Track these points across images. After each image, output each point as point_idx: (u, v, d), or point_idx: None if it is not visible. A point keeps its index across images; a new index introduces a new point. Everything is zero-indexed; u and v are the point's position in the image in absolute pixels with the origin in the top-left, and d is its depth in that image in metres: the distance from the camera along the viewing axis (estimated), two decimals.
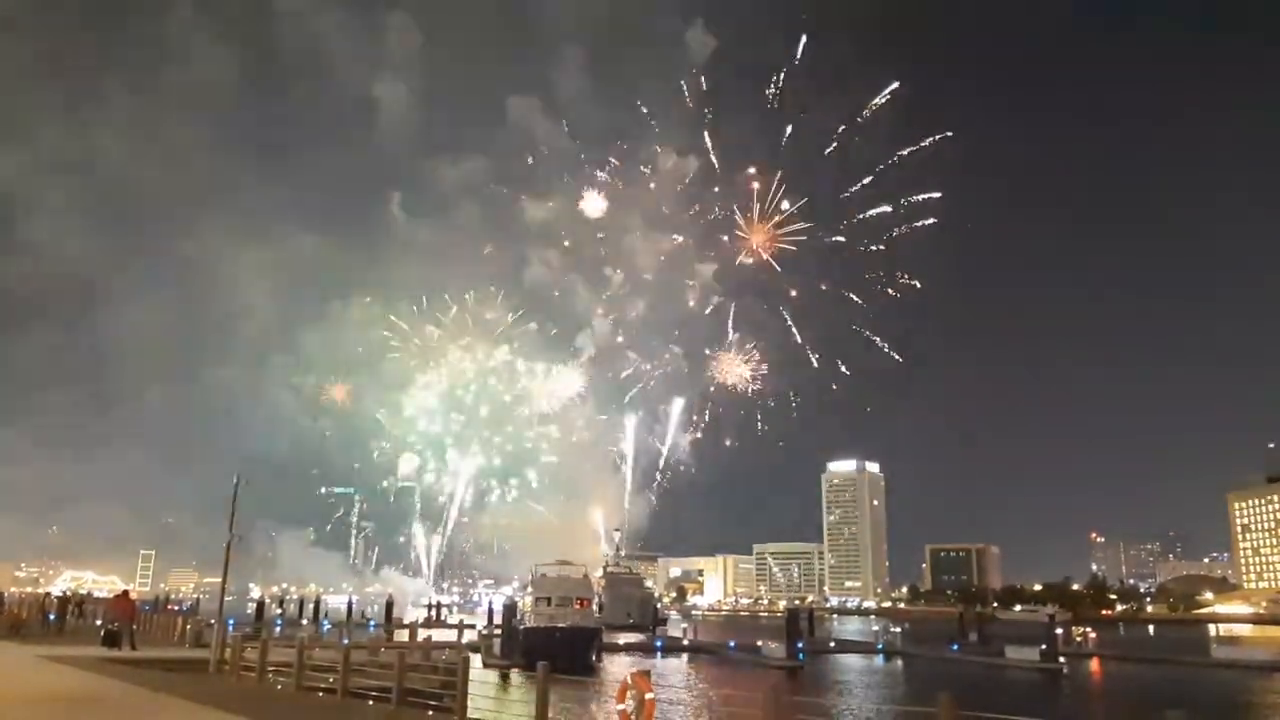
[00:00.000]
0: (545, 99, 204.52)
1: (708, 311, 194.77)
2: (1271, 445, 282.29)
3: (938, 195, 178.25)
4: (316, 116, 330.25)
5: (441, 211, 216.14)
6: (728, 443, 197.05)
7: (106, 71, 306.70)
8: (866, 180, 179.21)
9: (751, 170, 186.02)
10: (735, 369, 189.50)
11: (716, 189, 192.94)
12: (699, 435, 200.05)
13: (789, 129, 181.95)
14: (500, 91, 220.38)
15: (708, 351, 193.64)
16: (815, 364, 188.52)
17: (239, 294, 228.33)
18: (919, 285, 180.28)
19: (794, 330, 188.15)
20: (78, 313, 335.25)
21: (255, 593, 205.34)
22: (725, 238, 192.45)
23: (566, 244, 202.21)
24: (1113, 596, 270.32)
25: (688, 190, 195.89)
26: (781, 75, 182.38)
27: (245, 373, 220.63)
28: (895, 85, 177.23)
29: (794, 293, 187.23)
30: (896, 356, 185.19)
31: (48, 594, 68.27)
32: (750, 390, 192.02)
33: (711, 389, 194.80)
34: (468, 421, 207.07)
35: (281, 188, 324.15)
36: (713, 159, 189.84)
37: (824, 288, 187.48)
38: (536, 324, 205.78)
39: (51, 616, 53.57)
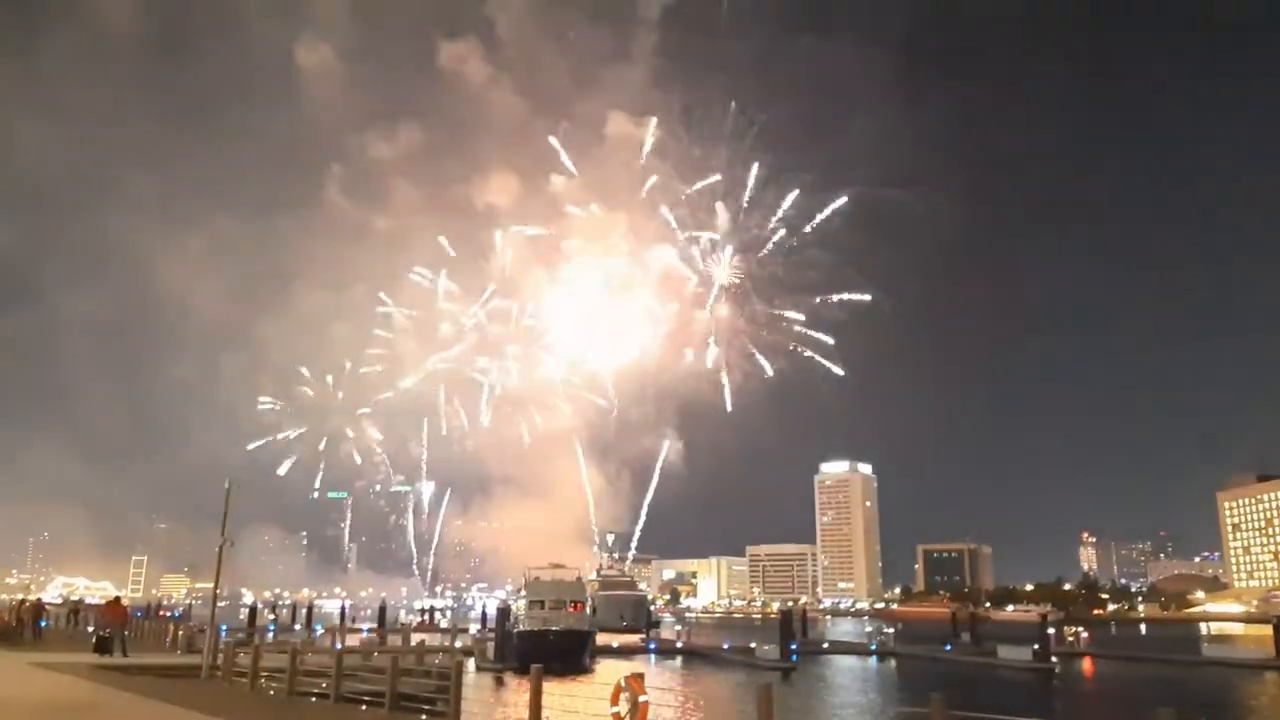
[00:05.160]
0: (486, 53, 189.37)
1: (682, 298, 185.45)
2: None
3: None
4: (237, 80, 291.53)
5: (383, 187, 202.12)
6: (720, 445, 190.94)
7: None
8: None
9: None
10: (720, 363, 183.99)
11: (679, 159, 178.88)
12: (690, 439, 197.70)
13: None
14: (435, 47, 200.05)
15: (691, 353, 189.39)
16: (806, 364, 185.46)
17: (176, 283, 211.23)
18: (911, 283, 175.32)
19: (786, 325, 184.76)
20: None
21: (248, 598, 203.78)
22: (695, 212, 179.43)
23: (523, 223, 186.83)
24: (1104, 596, 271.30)
25: (646, 162, 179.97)
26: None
27: (197, 368, 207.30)
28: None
29: (780, 285, 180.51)
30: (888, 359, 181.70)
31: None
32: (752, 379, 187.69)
33: (699, 390, 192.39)
34: (452, 418, 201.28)
35: (207, 164, 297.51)
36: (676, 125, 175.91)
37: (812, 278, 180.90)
38: (503, 309, 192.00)
39: (43, 623, 53.23)
